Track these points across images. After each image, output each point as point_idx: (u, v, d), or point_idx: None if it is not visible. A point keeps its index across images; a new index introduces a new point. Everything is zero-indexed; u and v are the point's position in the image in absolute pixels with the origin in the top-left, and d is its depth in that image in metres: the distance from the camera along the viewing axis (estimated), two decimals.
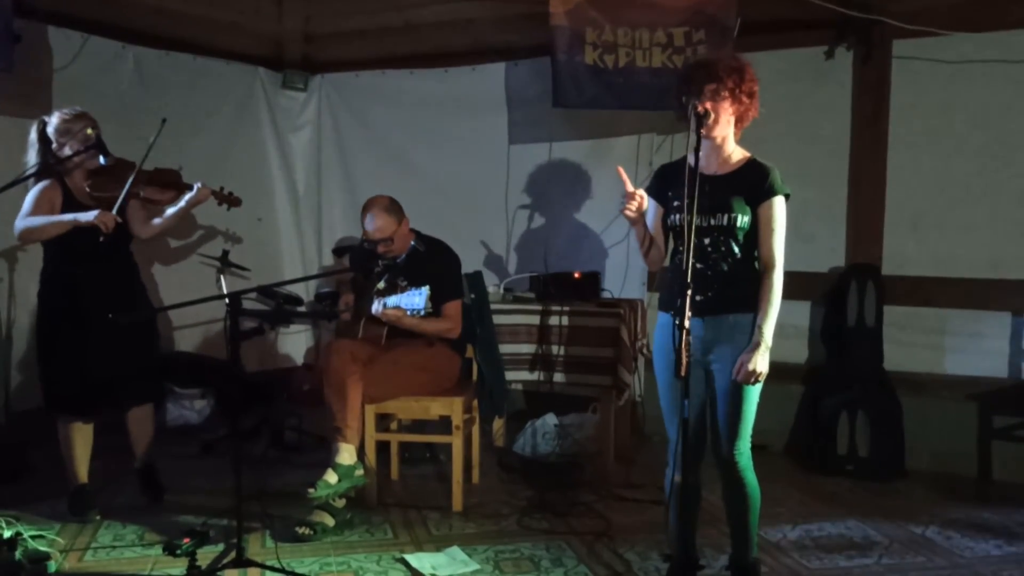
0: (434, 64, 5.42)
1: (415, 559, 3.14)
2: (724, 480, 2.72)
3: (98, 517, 3.54)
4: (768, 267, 2.58)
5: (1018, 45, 4.19)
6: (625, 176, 2.63)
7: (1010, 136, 4.26)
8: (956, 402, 4.27)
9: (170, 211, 3.71)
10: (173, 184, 3.74)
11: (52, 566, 3.04)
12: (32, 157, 3.52)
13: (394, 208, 3.86)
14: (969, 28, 4.21)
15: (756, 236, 2.60)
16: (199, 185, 3.71)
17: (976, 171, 4.34)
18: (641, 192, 2.55)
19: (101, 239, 3.37)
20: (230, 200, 3.95)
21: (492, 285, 4.66)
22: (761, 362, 2.50)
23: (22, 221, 3.43)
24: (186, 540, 3.17)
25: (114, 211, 3.41)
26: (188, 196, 3.69)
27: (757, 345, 2.51)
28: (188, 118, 5.12)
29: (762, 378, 2.53)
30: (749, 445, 2.65)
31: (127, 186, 3.44)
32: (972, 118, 4.33)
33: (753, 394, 2.59)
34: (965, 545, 3.35)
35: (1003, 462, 4.11)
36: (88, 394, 3.51)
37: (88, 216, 3.38)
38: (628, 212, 2.55)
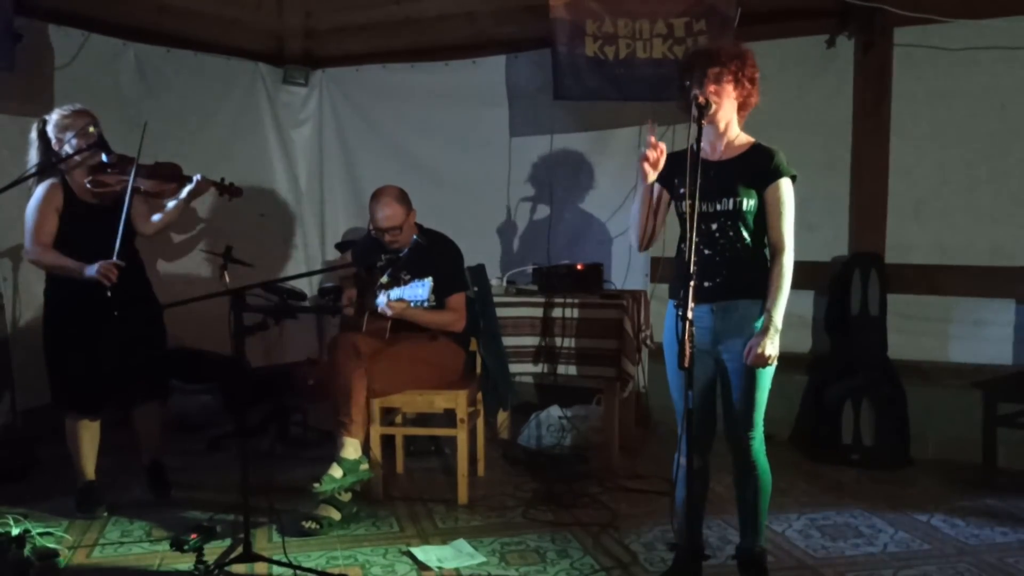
0: (435, 57, 5.41)
1: (421, 552, 3.15)
2: (736, 465, 2.73)
3: (105, 514, 3.55)
4: (778, 250, 2.58)
5: (1020, 32, 4.17)
6: (653, 126, 2.58)
7: (1012, 123, 4.24)
8: (961, 390, 4.26)
9: (171, 204, 3.71)
10: (173, 177, 3.73)
11: (61, 562, 3.05)
12: (33, 156, 3.53)
13: (404, 198, 3.87)
14: (971, 15, 4.19)
15: (765, 221, 2.60)
16: (199, 177, 3.71)
17: (979, 158, 4.33)
18: (663, 146, 2.52)
19: (108, 294, 3.33)
20: (231, 191, 3.94)
21: (495, 278, 4.66)
22: (771, 346, 2.51)
23: (31, 246, 3.45)
24: (193, 535, 3.17)
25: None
26: (188, 188, 3.70)
27: (767, 329, 2.51)
28: (189, 115, 5.12)
29: (772, 361, 2.54)
30: (762, 430, 2.67)
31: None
32: (974, 105, 4.31)
33: (765, 380, 2.60)
34: (970, 532, 3.35)
35: (1008, 449, 4.10)
36: (96, 392, 3.52)
37: (91, 271, 3.33)
38: (649, 153, 2.49)
